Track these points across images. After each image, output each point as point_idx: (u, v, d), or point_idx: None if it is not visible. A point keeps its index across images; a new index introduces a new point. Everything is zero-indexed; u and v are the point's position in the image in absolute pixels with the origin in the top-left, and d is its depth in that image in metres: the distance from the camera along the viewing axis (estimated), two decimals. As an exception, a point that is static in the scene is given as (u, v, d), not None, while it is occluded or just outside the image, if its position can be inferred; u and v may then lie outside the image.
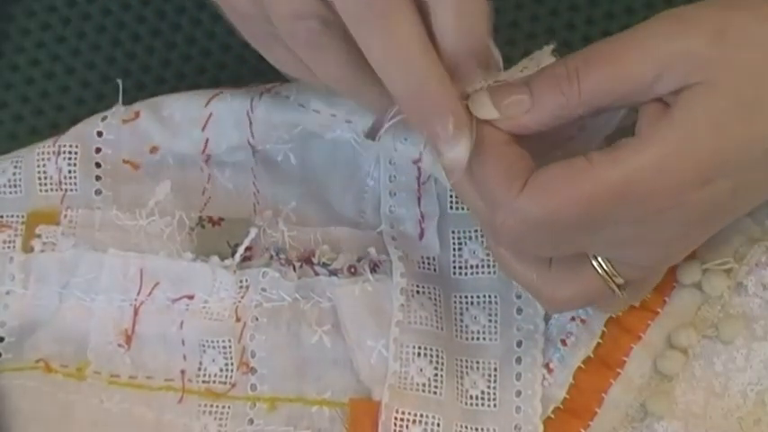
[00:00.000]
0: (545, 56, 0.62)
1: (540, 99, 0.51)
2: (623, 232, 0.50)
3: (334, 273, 0.61)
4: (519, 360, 0.60)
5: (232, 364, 0.60)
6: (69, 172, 0.62)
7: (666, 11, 0.50)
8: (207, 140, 0.62)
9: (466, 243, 0.61)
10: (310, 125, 0.60)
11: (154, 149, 0.63)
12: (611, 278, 0.53)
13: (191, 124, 0.62)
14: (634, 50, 0.49)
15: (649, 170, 0.48)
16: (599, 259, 0.53)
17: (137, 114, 0.63)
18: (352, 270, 0.61)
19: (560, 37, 0.69)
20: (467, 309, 0.61)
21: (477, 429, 0.59)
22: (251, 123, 0.62)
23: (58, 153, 0.62)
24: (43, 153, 0.63)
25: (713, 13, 0.50)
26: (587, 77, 0.50)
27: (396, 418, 0.58)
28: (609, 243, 0.51)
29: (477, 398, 0.60)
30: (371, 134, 0.57)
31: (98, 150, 0.63)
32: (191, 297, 0.61)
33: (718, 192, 0.49)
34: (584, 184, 0.49)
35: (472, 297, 0.61)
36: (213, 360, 0.60)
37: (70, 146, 0.63)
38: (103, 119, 0.63)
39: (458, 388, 0.60)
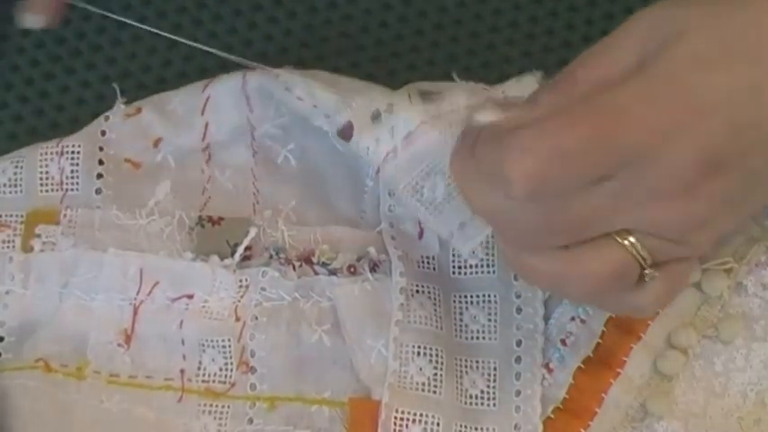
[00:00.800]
0: (530, 81, 0.62)
1: (543, 101, 0.51)
2: (634, 178, 0.49)
3: (333, 272, 0.61)
4: (518, 359, 0.60)
5: (232, 363, 0.60)
6: (72, 171, 0.63)
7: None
8: (207, 125, 0.63)
9: (465, 243, 0.61)
10: (295, 108, 0.61)
11: (157, 142, 0.63)
12: (637, 252, 0.51)
13: (192, 113, 0.63)
14: (616, 36, 0.51)
15: (638, 93, 0.49)
16: (621, 235, 0.51)
17: (138, 110, 0.63)
18: (352, 270, 0.61)
19: (560, 37, 0.70)
20: (466, 308, 0.61)
21: (476, 429, 0.59)
22: (248, 99, 0.62)
23: (62, 153, 0.63)
24: (46, 153, 0.63)
25: None
26: (578, 69, 0.51)
27: (395, 418, 0.58)
28: (622, 195, 0.50)
29: (476, 397, 0.60)
30: (343, 136, 0.58)
31: (101, 149, 0.63)
32: (190, 296, 0.61)
33: (720, 130, 0.49)
34: (580, 109, 0.49)
35: (472, 296, 0.61)
36: (213, 359, 0.60)
37: (73, 145, 0.63)
38: (107, 118, 0.63)
39: (457, 387, 0.60)
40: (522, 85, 0.62)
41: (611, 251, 0.51)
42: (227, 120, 0.63)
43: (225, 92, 0.63)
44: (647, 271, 0.52)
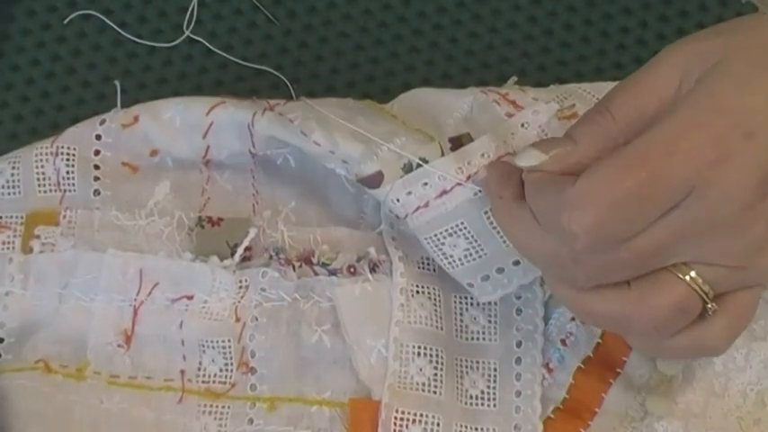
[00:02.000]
0: (550, 113, 0.62)
1: (582, 137, 0.52)
2: (693, 209, 0.50)
3: (333, 273, 0.61)
4: (518, 360, 0.60)
5: (232, 363, 0.60)
6: (67, 173, 0.62)
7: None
8: (207, 147, 0.62)
9: (465, 244, 0.62)
10: (308, 151, 0.60)
11: (154, 152, 0.63)
12: (698, 287, 0.52)
13: (191, 130, 0.62)
14: (651, 69, 0.51)
15: (687, 126, 0.49)
16: (681, 270, 0.52)
17: (136, 119, 0.63)
18: (352, 270, 0.61)
19: (559, 37, 0.70)
20: (466, 309, 0.61)
21: (476, 429, 0.59)
22: (252, 136, 0.62)
23: (56, 154, 0.62)
24: (41, 154, 0.63)
25: (704, 31, 0.53)
26: (615, 105, 0.52)
27: (395, 418, 0.58)
28: (683, 227, 0.50)
29: (476, 398, 0.60)
30: (366, 184, 0.59)
31: (97, 153, 0.63)
32: (190, 297, 0.61)
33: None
34: (633, 152, 0.49)
35: (472, 297, 0.61)
36: (213, 360, 0.60)
37: (68, 147, 0.63)
38: (102, 122, 0.63)
39: (457, 388, 0.60)
40: (540, 119, 0.62)
41: (672, 286, 0.52)
42: (229, 147, 0.62)
43: (230, 124, 0.62)
44: (708, 305, 0.52)
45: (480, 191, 0.57)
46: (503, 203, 0.55)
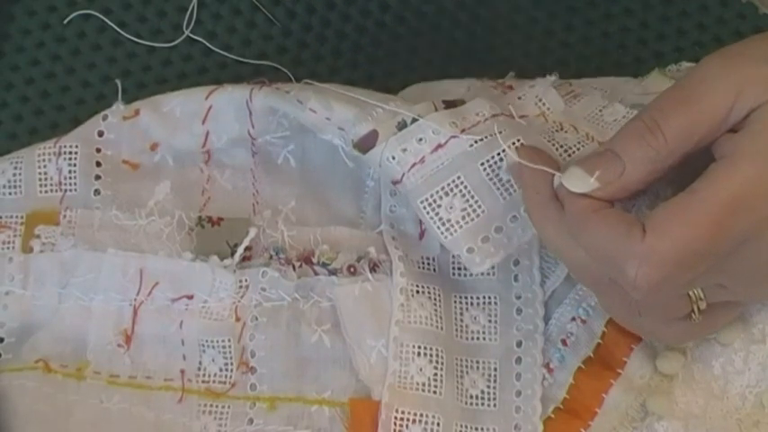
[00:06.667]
0: (546, 84, 0.62)
1: (631, 158, 0.52)
2: (741, 256, 0.51)
3: (333, 272, 0.61)
4: (519, 360, 0.60)
5: (232, 363, 0.60)
6: (69, 172, 0.63)
7: (711, 54, 0.52)
8: (207, 134, 0.63)
9: (465, 243, 0.61)
10: (305, 121, 0.60)
11: (154, 146, 0.63)
12: (696, 300, 0.54)
13: (191, 118, 0.63)
14: (702, 91, 0.51)
15: (752, 178, 0.50)
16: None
17: (137, 112, 0.63)
18: (352, 270, 0.61)
19: (559, 37, 0.70)
20: (467, 309, 0.61)
21: (476, 429, 0.59)
22: (250, 114, 0.62)
23: (59, 154, 0.63)
24: (44, 154, 0.63)
25: (756, 44, 0.52)
26: (668, 125, 0.51)
27: (395, 418, 0.58)
28: (727, 269, 0.52)
29: (476, 397, 0.60)
30: (361, 148, 0.58)
31: (98, 150, 0.63)
32: (190, 297, 0.61)
33: None
34: (701, 209, 0.50)
35: (472, 297, 0.61)
36: (213, 360, 0.60)
37: (71, 146, 0.63)
38: (104, 118, 0.63)
39: (458, 387, 0.60)
40: (536, 90, 0.62)
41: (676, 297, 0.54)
42: (228, 131, 0.63)
43: (228, 104, 0.62)
44: (694, 316, 0.54)
45: (476, 142, 0.57)
46: (539, 200, 0.54)
